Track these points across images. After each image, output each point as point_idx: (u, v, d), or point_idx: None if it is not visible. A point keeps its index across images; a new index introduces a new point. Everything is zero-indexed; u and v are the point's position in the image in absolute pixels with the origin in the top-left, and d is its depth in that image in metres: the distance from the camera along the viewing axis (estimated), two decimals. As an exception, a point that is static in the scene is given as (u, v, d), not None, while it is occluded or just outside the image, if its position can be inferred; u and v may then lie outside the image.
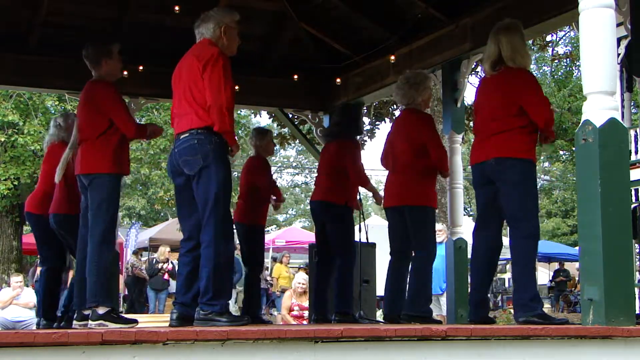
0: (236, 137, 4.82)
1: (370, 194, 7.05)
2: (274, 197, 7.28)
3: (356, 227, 7.15)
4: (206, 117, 4.55)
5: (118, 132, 5.17)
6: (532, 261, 4.65)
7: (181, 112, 4.69)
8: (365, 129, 7.06)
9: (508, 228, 4.79)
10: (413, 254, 5.87)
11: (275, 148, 7.74)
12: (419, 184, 5.75)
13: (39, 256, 6.63)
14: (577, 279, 20.15)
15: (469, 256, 6.50)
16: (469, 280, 6.51)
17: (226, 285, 4.63)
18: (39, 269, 13.47)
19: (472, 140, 5.02)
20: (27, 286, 13.18)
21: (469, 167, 5.02)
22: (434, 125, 6.00)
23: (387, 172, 6.13)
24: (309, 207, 7.14)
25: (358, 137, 6.81)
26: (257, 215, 7.10)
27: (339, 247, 6.45)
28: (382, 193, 6.27)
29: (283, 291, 12.56)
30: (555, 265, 22.92)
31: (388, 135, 6.14)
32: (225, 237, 4.55)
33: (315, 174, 7.16)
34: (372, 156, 24.11)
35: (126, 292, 16.27)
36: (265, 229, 7.52)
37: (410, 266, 5.85)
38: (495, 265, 5.10)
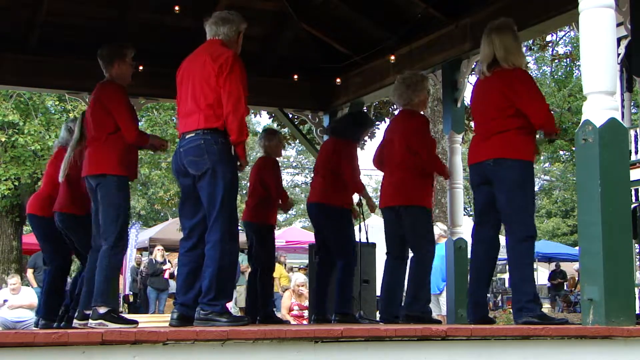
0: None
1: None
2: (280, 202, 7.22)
3: (356, 227, 7.15)
4: (213, 119, 4.53)
5: None
6: (528, 263, 4.63)
7: (187, 111, 4.66)
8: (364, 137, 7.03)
9: (504, 229, 4.79)
10: (410, 255, 5.88)
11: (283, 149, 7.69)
12: (413, 183, 5.76)
13: (44, 257, 6.62)
14: (577, 278, 20.15)
15: (469, 256, 6.50)
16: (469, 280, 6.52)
17: (228, 286, 4.64)
18: (29, 270, 13.48)
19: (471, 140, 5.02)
20: (28, 286, 13.16)
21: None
22: (427, 129, 6.01)
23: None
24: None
25: (356, 141, 6.76)
26: (267, 214, 7.04)
27: (338, 249, 6.45)
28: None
29: (285, 290, 12.56)
30: (554, 265, 22.93)
31: (384, 135, 6.15)
32: (230, 238, 4.54)
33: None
34: (372, 156, 24.08)
35: (127, 292, 16.26)
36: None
37: (407, 267, 5.86)
38: (494, 266, 5.09)
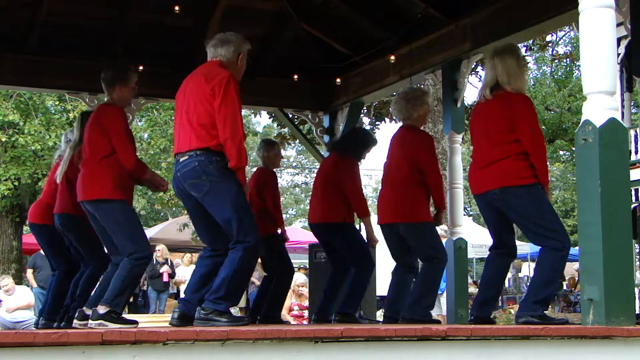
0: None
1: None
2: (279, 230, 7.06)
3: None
4: (206, 138, 4.49)
5: None
6: (550, 271, 4.60)
7: (181, 130, 4.65)
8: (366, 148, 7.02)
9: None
10: (421, 264, 5.86)
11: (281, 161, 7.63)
12: (413, 200, 5.70)
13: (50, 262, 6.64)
14: (577, 278, 20.14)
15: (469, 256, 6.48)
16: (470, 279, 6.51)
17: (238, 292, 4.64)
18: (29, 271, 13.45)
19: (470, 165, 4.99)
20: (28, 286, 13.14)
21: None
22: (433, 147, 5.93)
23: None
24: (308, 207, 7.08)
25: (357, 159, 6.71)
26: (267, 224, 6.97)
27: (352, 260, 6.39)
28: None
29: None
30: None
31: (388, 151, 6.08)
32: (253, 247, 4.50)
33: (315, 172, 7.11)
34: (371, 156, 24.08)
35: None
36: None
37: (418, 273, 5.85)
38: (507, 271, 5.15)
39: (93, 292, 5.44)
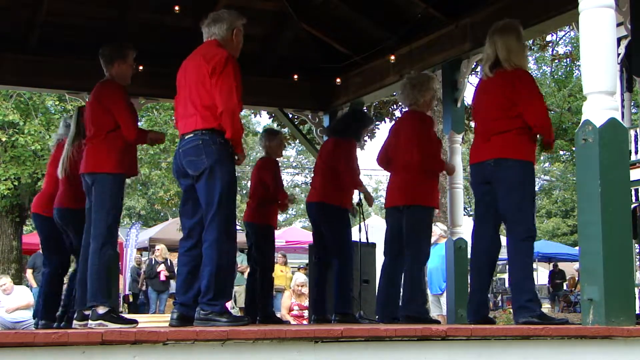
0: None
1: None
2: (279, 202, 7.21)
3: (356, 227, 7.15)
4: (211, 119, 4.53)
5: None
6: (529, 263, 4.65)
7: (186, 113, 4.68)
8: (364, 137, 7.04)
9: (505, 229, 4.79)
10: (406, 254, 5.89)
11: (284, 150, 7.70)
12: (417, 183, 5.76)
13: (44, 258, 6.62)
14: (577, 278, 20.15)
15: (469, 256, 6.47)
16: (469, 280, 6.49)
17: (227, 286, 4.64)
18: (29, 271, 13.44)
19: (472, 140, 5.00)
20: (28, 286, 13.13)
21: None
22: (432, 130, 6.01)
23: (387, 172, 6.15)
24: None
25: (356, 140, 6.78)
26: (267, 215, 7.05)
27: (335, 248, 6.46)
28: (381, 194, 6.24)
29: (278, 291, 12.53)
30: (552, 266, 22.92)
31: (389, 135, 6.15)
32: (228, 237, 4.54)
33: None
34: (372, 156, 24.07)
35: (127, 292, 16.25)
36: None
37: (404, 267, 5.87)
38: (495, 265, 5.11)
39: (77, 294, 5.43)
